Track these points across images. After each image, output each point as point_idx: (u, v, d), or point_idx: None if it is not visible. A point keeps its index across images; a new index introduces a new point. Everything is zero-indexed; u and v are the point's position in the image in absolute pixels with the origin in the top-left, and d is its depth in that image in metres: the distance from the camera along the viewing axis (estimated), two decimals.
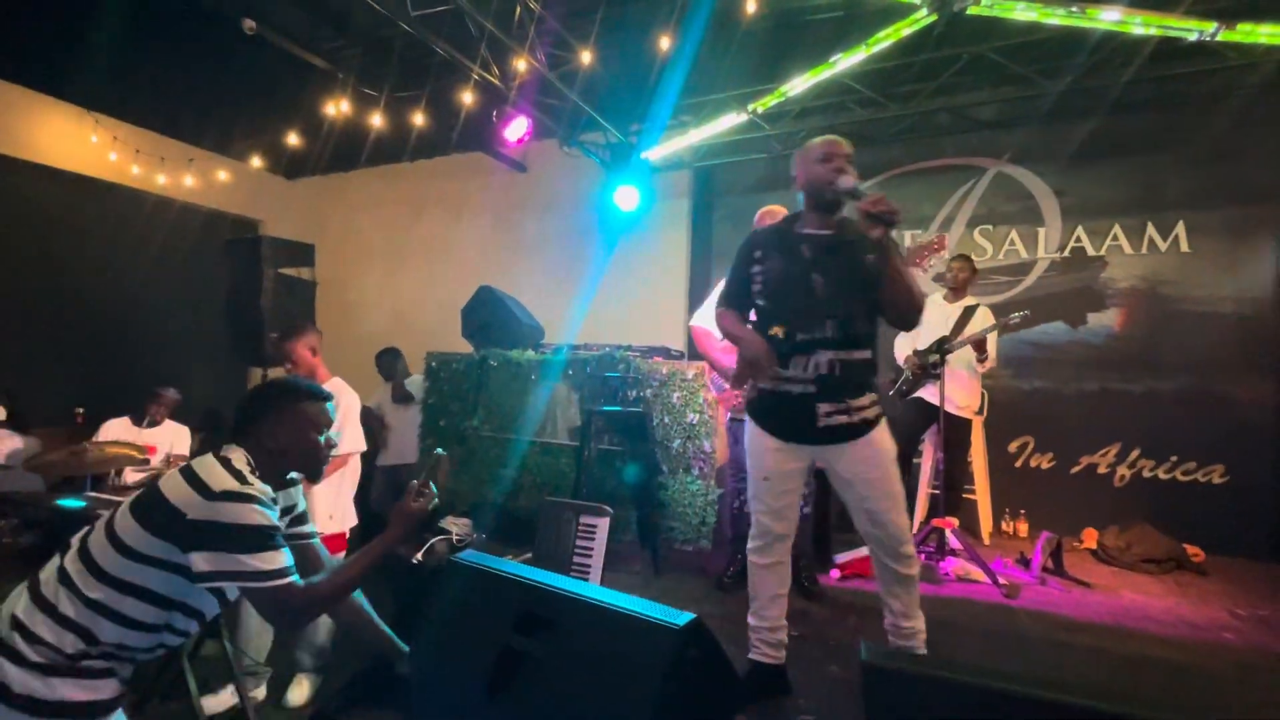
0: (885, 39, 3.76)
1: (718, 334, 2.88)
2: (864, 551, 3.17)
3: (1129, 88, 3.90)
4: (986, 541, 3.97)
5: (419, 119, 4.93)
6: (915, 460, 3.96)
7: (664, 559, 3.11)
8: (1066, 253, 4.34)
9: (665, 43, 4.16)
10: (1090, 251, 4.30)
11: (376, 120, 4.91)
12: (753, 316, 1.98)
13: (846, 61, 3.97)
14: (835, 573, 3.09)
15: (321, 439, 1.42)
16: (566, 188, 5.66)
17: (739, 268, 2.00)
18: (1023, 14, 3.50)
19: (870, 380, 1.89)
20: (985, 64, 4.11)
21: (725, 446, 3.24)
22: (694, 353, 5.07)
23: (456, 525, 2.79)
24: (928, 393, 3.59)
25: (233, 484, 1.22)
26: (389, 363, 4.33)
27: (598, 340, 4.53)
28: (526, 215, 6.06)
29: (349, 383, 2.43)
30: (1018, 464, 4.38)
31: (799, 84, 4.26)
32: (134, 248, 5.75)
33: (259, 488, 1.26)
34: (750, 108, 4.63)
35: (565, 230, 5.78)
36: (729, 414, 2.93)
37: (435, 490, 1.49)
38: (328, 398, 1.45)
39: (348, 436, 2.33)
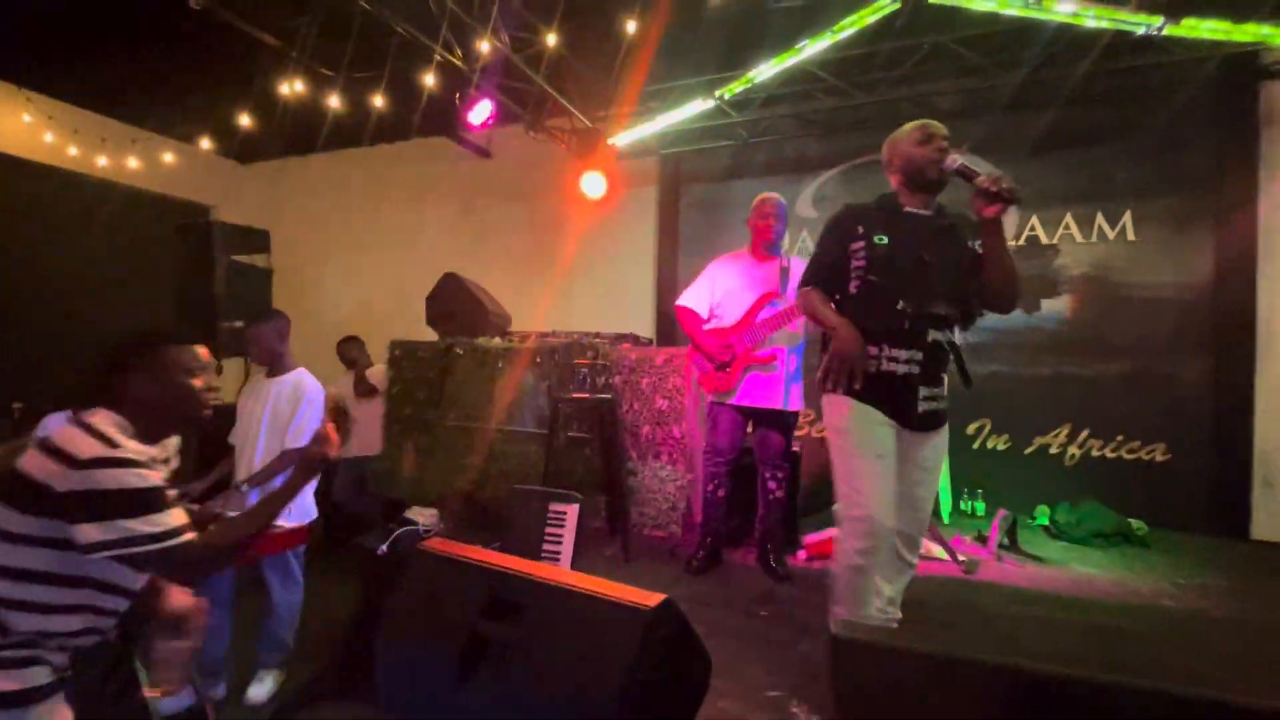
0: (851, 26, 3.80)
1: (704, 314, 2.89)
2: (832, 531, 3.24)
3: (1082, 81, 4.02)
4: (946, 520, 4.10)
5: (379, 101, 4.78)
6: None
7: (634, 545, 3.13)
8: (1022, 241, 4.47)
9: (631, 26, 4.11)
10: (1044, 240, 4.43)
11: (334, 102, 4.75)
12: (852, 292, 1.87)
13: (813, 48, 4.00)
14: (803, 553, 3.15)
15: (196, 383, 1.32)
16: (533, 174, 5.58)
17: (835, 243, 1.92)
18: (982, 4, 3.57)
19: (948, 367, 1.89)
20: (946, 54, 4.19)
21: (701, 430, 3.26)
22: (665, 337, 5.13)
23: (423, 516, 2.76)
24: None
25: (100, 449, 1.13)
26: (351, 352, 4.23)
27: (566, 327, 4.51)
28: (492, 201, 5.97)
29: (310, 373, 2.36)
30: (975, 445, 4.51)
31: (766, 70, 4.28)
32: (74, 233, 5.46)
33: (133, 448, 1.17)
34: (717, 94, 4.62)
35: (532, 216, 5.71)
36: (711, 397, 2.90)
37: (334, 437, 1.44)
38: (193, 340, 1.35)
39: (312, 428, 2.27)
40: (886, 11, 3.63)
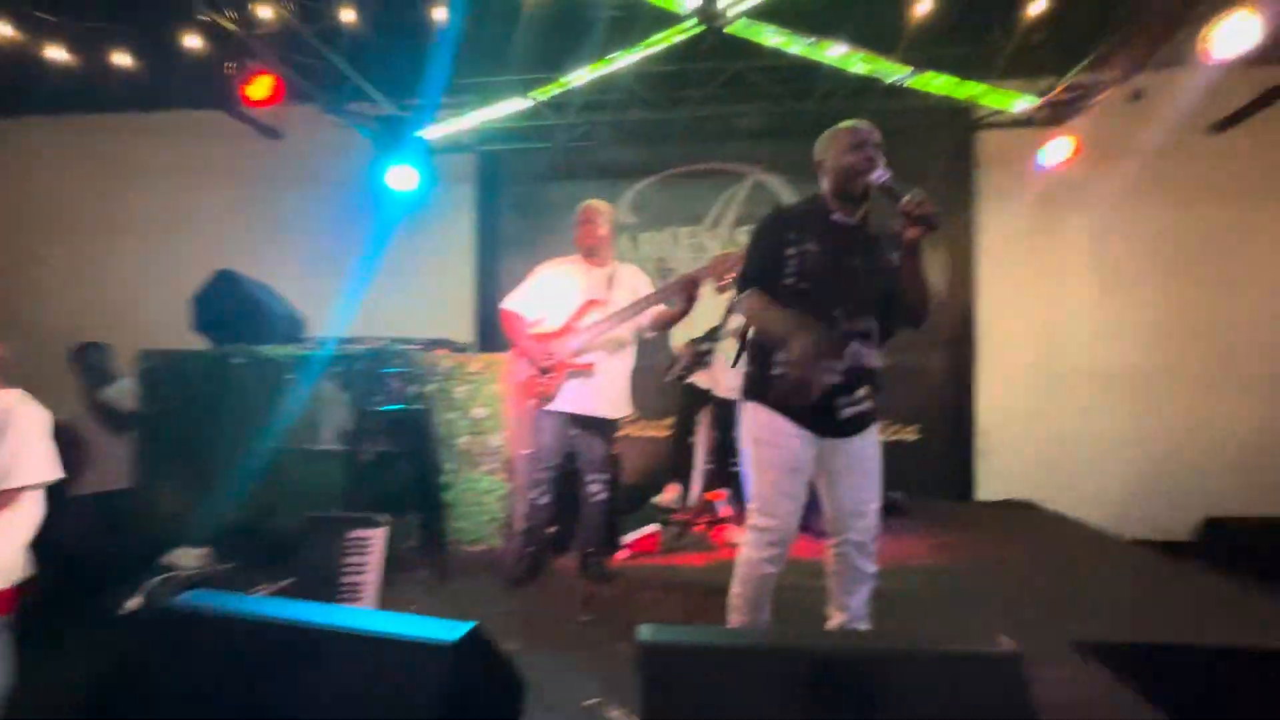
0: (657, 43, 3.98)
1: (530, 318, 2.79)
2: (651, 529, 3.37)
3: (852, 114, 4.63)
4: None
5: (125, 60, 3.98)
6: (690, 440, 4.30)
7: (451, 563, 2.97)
8: None
9: (440, 13, 3.90)
10: None
11: (58, 54, 3.85)
12: (781, 299, 1.82)
13: (623, 60, 4.12)
14: (623, 554, 3.23)
15: None
16: (332, 161, 5.03)
17: (769, 246, 1.85)
18: (770, 39, 3.97)
19: (877, 375, 1.88)
20: (745, 80, 4.58)
21: (524, 437, 3.17)
22: (487, 342, 4.94)
23: (190, 558, 2.35)
24: (700, 377, 3.93)
25: None
26: (90, 363, 3.46)
27: (372, 333, 4.14)
28: (282, 189, 5.27)
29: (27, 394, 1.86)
30: None
31: (580, 76, 4.32)
32: None
33: None
34: (531, 94, 4.57)
35: (331, 209, 5.15)
36: (533, 403, 2.82)
37: None
38: None
39: (25, 464, 1.79)
40: (689, 34, 3.85)
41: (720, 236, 5.16)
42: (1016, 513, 4.56)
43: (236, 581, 2.37)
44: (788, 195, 5.09)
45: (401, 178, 4.77)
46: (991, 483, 4.87)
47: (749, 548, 1.86)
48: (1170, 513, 4.66)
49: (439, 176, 4.92)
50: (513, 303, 2.88)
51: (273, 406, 3.21)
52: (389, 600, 2.35)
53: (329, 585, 2.16)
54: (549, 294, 2.85)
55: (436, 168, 4.89)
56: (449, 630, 1.19)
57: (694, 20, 3.76)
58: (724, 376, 3.91)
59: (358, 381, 3.28)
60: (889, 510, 4.24)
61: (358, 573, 2.21)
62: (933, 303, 1.81)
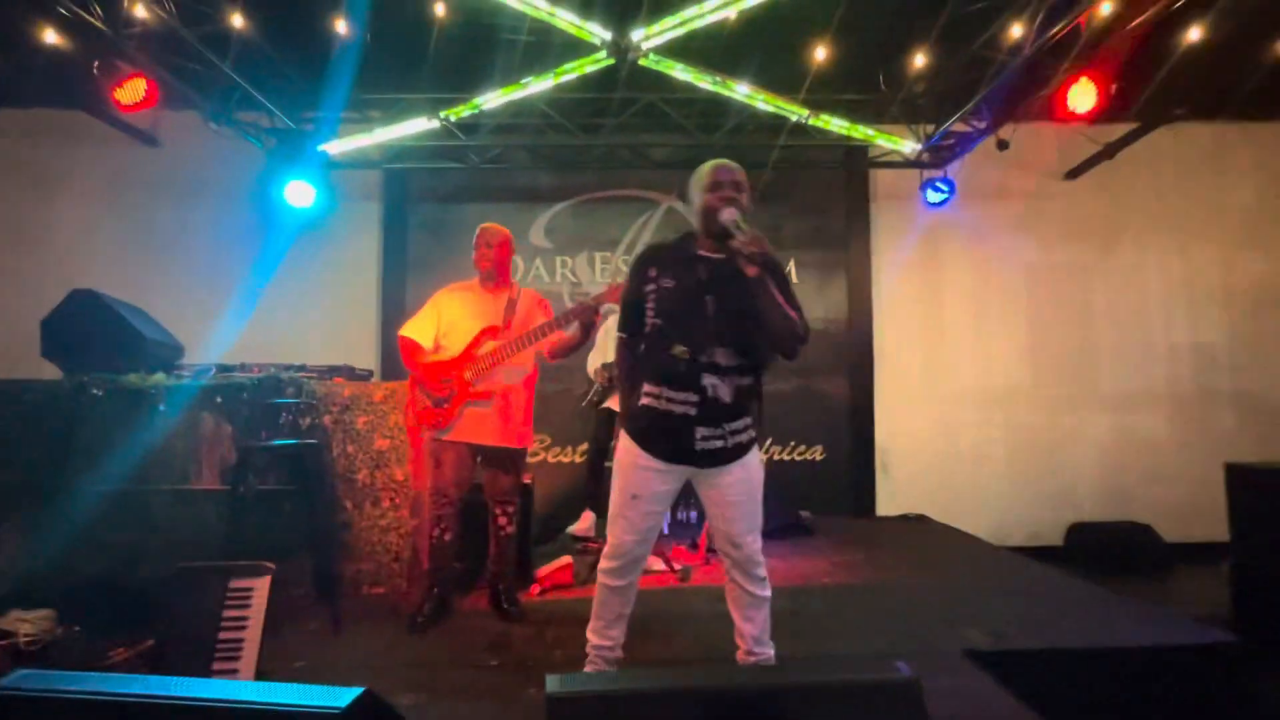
0: (570, 71, 4.01)
1: (428, 344, 2.72)
2: (564, 561, 3.29)
3: (762, 150, 4.85)
4: (667, 531, 4.50)
5: None
6: (607, 464, 4.27)
7: (348, 611, 2.76)
8: None
9: (342, 26, 3.74)
10: None
11: None
12: (647, 332, 1.89)
13: (536, 86, 4.12)
14: (535, 588, 3.14)
15: None
16: (219, 172, 4.68)
17: (633, 288, 1.94)
18: (681, 74, 4.11)
19: (749, 406, 1.91)
20: (658, 111, 4.69)
21: (425, 470, 3.03)
22: (392, 370, 4.69)
23: (28, 623, 2.04)
24: (615, 402, 3.91)
25: None
26: None
27: (263, 359, 3.84)
28: (159, 202, 4.83)
29: None
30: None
31: (492, 99, 4.28)
32: None
33: None
34: (442, 115, 4.48)
35: (216, 226, 4.77)
36: (432, 434, 2.71)
37: None
38: None
39: None
40: (602, 64, 3.91)
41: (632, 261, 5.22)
42: (912, 526, 4.85)
43: (86, 650, 2.07)
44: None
45: (299, 193, 4.51)
46: (890, 499, 5.16)
47: (601, 560, 2.00)
48: (1042, 519, 5.13)
49: (342, 194, 4.68)
50: (410, 329, 2.79)
51: (137, 442, 2.88)
52: (275, 657, 2.15)
53: (203, 646, 1.93)
54: (448, 320, 2.78)
55: (338, 185, 4.66)
56: (335, 697, 1.08)
57: (605, 52, 3.82)
58: None
59: (242, 413, 3.03)
60: (798, 529, 4.43)
61: (238, 627, 1.99)
62: (800, 334, 1.83)
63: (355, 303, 4.81)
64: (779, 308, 1.78)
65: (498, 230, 2.86)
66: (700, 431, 1.83)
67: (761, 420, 1.97)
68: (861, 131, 4.74)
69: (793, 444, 5.15)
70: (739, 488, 1.89)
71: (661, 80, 4.36)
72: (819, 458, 5.16)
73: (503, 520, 2.80)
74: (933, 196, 5.00)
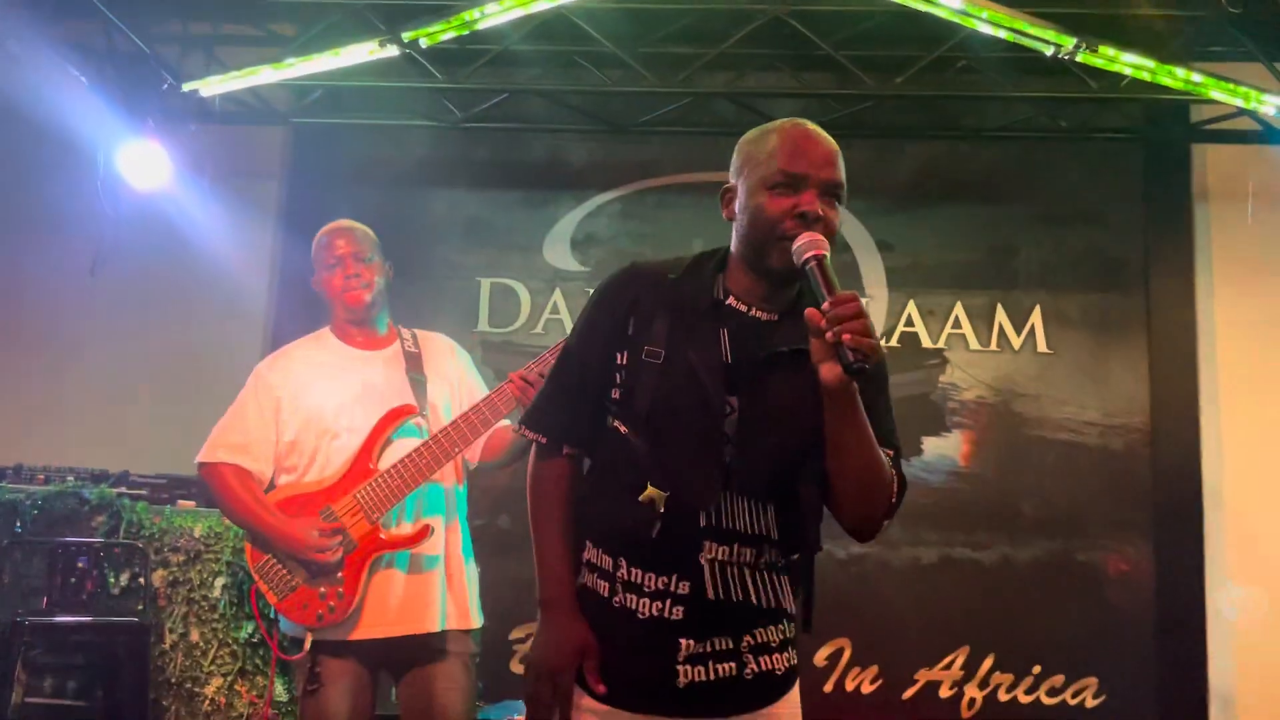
0: None
1: (264, 468, 1.65)
2: None
3: (974, 107, 2.89)
4: None
5: None
6: None
7: None
8: (895, 339, 2.91)
9: None
10: (926, 341, 2.93)
11: None
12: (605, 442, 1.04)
13: None
14: None
15: None
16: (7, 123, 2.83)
17: (588, 342, 1.01)
18: None
19: (786, 607, 0.98)
20: (790, 33, 2.77)
21: (304, 705, 1.84)
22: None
23: None
24: None
25: None
26: None
27: (54, 460, 2.41)
28: None
29: None
30: (829, 687, 2.74)
31: (492, 12, 2.52)
32: None
33: None
34: (405, 37, 2.65)
35: None
36: (302, 633, 1.56)
37: None
38: None
39: None
40: None
41: None
42: None
43: None
44: (855, 233, 3.13)
45: (142, 164, 2.72)
46: None
47: None
48: None
49: (220, 166, 2.79)
50: (222, 447, 1.64)
51: None
52: None
53: None
54: (301, 413, 1.65)
55: (214, 150, 2.77)
56: None
57: None
58: None
59: (11, 557, 2.16)
60: None
61: None
62: (892, 497, 0.89)
63: (230, 356, 2.77)
64: (870, 446, 0.90)
65: (363, 231, 1.73)
66: (687, 647, 0.95)
67: (810, 618, 0.97)
68: (1180, 77, 2.67)
69: (1037, 670, 2.79)
70: None
71: None
72: (1091, 702, 2.74)
73: None
74: None
